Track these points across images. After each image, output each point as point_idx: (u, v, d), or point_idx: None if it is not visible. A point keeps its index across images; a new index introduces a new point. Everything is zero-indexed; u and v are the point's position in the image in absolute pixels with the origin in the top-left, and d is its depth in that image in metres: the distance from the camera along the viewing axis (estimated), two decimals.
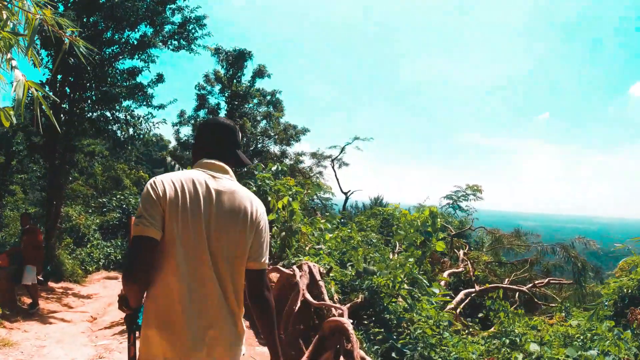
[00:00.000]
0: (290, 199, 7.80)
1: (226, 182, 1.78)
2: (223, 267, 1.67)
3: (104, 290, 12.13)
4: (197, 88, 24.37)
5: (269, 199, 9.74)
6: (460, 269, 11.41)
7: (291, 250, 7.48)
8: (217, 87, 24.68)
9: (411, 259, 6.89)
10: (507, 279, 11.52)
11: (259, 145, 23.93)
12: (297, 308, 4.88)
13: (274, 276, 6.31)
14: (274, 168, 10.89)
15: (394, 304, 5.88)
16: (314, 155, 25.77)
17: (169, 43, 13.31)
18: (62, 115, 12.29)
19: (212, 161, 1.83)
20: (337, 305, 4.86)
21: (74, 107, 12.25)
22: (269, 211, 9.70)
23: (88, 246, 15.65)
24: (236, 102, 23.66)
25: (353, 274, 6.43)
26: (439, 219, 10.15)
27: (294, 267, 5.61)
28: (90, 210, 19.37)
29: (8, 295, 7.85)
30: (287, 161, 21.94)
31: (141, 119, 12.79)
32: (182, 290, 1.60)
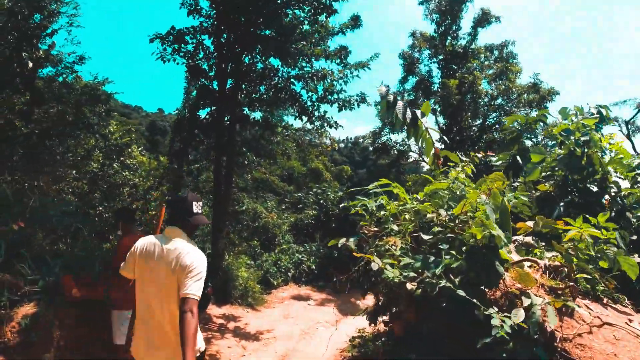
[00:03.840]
0: None
1: (172, 243, 2.57)
2: (163, 296, 2.48)
3: (283, 323, 8.13)
4: (401, 57, 19.61)
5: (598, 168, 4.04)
6: None
7: None
8: (426, 52, 19.49)
9: None
10: None
11: (490, 121, 17.53)
12: None
13: None
14: (591, 110, 4.93)
15: None
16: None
17: None
18: (229, 78, 8.85)
19: (170, 228, 2.65)
20: None
21: (237, 57, 8.63)
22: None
23: (276, 251, 12.29)
24: (454, 66, 17.93)
25: None
26: None
27: None
28: (283, 207, 16.51)
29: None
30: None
31: (331, 54, 8.45)
32: (143, 311, 2.58)
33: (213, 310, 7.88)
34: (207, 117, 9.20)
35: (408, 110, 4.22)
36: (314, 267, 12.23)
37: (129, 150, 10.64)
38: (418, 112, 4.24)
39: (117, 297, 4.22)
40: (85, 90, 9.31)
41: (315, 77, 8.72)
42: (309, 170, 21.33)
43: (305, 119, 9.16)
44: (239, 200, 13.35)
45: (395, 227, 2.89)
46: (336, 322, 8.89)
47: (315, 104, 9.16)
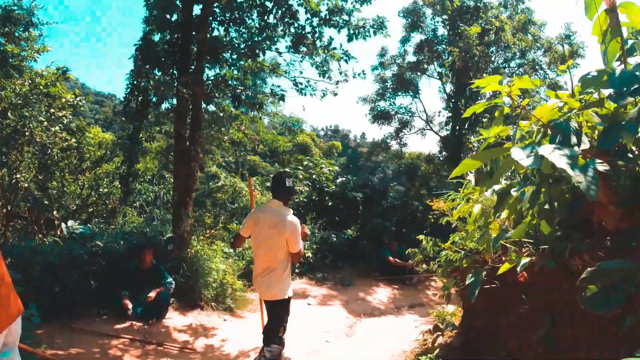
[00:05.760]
0: None
1: (275, 211, 3.84)
2: (272, 250, 3.80)
3: None
4: (402, 14, 17.11)
5: None
6: None
7: None
8: (429, 10, 17.05)
9: None
10: None
11: None
12: None
13: None
14: None
15: None
16: None
17: None
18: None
19: (273, 200, 3.91)
20: None
21: None
22: None
23: None
24: (460, 24, 15.48)
25: None
26: None
27: None
28: (268, 184, 13.98)
29: None
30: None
31: None
32: (257, 259, 3.94)
33: (174, 319, 5.33)
34: (165, 46, 6.55)
35: None
36: (309, 255, 9.76)
37: (63, 100, 7.92)
38: None
39: None
40: None
41: None
42: (295, 146, 18.82)
43: (303, 49, 6.63)
44: (208, 170, 10.81)
45: None
46: (349, 327, 6.50)
47: (317, 29, 6.64)
